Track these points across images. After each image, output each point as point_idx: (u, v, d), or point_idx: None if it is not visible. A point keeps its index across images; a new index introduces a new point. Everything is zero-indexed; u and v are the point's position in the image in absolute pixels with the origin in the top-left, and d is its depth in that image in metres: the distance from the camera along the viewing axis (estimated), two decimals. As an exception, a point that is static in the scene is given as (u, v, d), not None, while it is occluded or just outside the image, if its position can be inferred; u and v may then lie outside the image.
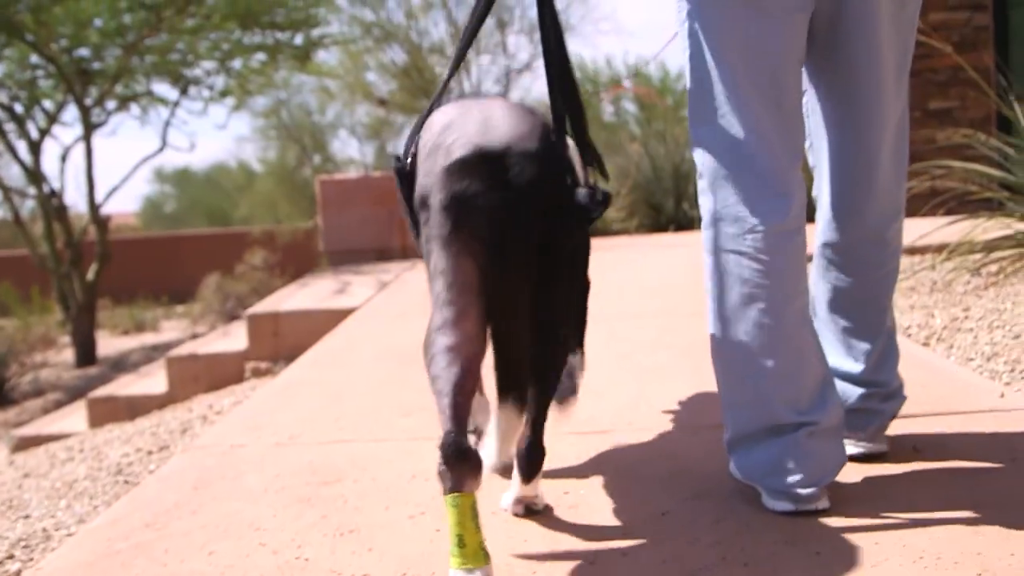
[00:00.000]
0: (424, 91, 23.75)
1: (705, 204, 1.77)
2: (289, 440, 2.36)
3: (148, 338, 11.12)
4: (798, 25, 1.72)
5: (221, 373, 4.70)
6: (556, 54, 1.74)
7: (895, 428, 2.02)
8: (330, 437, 2.35)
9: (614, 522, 1.67)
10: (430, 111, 1.74)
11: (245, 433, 2.47)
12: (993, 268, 4.07)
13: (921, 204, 5.23)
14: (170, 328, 11.82)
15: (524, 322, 1.57)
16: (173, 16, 9.38)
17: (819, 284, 1.95)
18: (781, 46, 1.71)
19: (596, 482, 1.87)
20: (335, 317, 4.47)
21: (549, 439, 1.69)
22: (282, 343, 4.67)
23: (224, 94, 11.33)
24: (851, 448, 1.86)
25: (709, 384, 2.51)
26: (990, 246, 4.08)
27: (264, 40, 10.46)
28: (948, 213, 4.56)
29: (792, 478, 1.65)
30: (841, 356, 1.92)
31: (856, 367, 1.90)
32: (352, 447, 2.25)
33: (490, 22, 24.80)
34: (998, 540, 1.49)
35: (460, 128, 1.60)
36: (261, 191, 23.82)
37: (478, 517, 1.48)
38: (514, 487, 1.77)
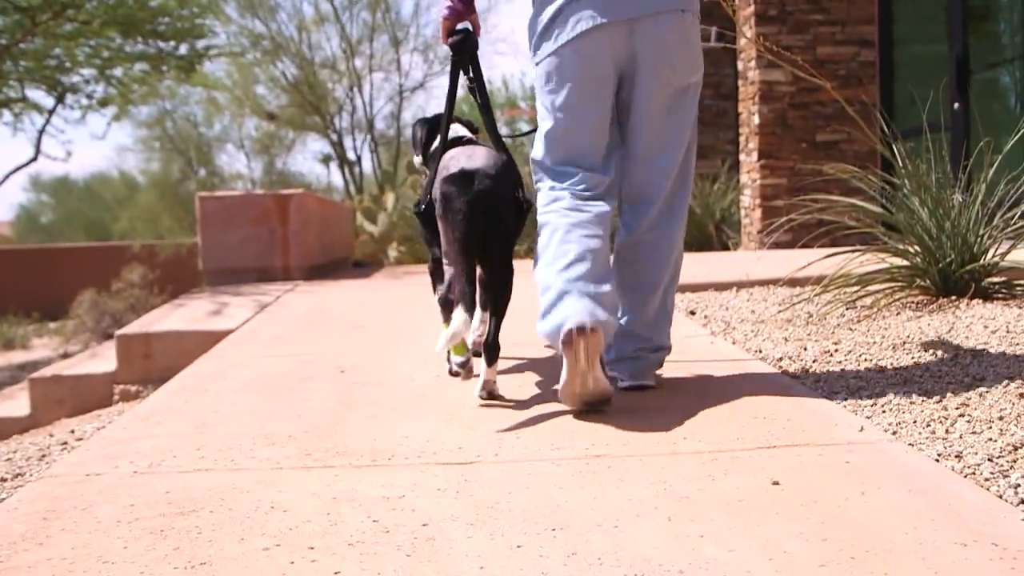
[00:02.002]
0: (315, 107, 23.51)
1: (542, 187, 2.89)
2: (148, 469, 2.29)
3: (16, 356, 10.69)
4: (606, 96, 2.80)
5: (88, 396, 4.54)
6: (488, 116, 3.05)
7: (759, 460, 2.12)
8: (190, 466, 2.30)
9: (470, 553, 1.67)
10: (439, 158, 2.98)
11: (102, 461, 2.39)
12: (867, 301, 4.22)
13: (805, 234, 5.41)
14: (41, 346, 11.39)
15: (482, 262, 2.78)
16: (49, 20, 9.07)
17: (615, 258, 2.85)
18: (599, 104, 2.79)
19: (456, 513, 1.87)
20: (210, 339, 4.38)
21: (413, 471, 2.04)
22: (154, 366, 4.54)
23: (104, 103, 11.01)
24: (626, 383, 2.82)
25: (579, 416, 2.56)
26: (864, 280, 4.23)
27: (147, 49, 10.21)
28: (832, 245, 4.72)
29: (571, 317, 2.49)
30: (624, 311, 2.84)
31: (632, 319, 2.84)
32: (212, 477, 2.20)
33: (384, 39, 24.74)
34: (845, 572, 1.54)
35: (457, 159, 2.85)
36: (143, 204, 23.19)
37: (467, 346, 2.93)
38: (481, 377, 2.79)
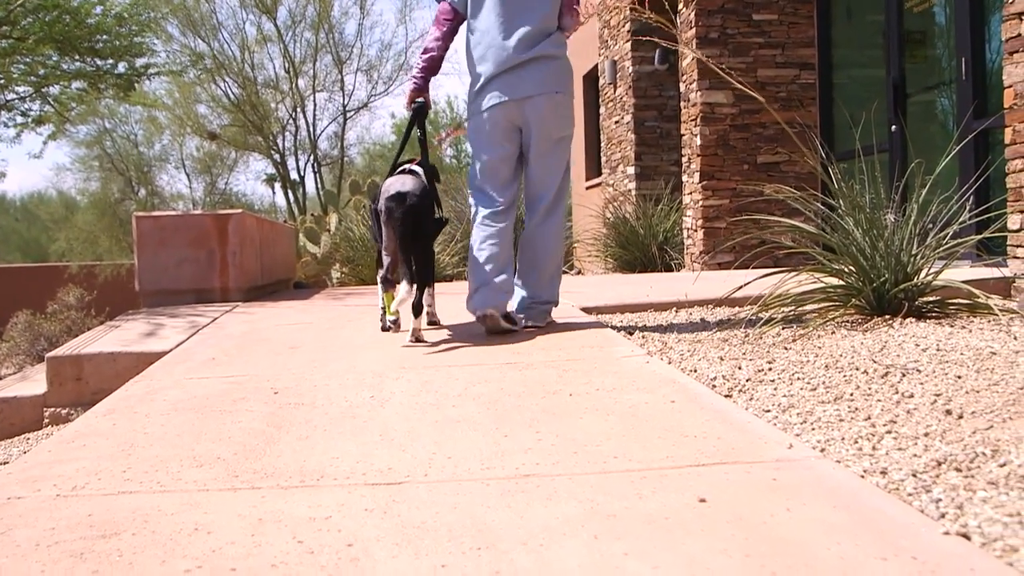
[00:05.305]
0: (258, 127, 23.30)
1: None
2: (71, 492, 2.24)
3: (-54, 378, 10.38)
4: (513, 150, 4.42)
5: (16, 420, 4.43)
6: (426, 159, 4.63)
7: (687, 478, 2.13)
8: (115, 489, 2.25)
9: (394, 573, 1.65)
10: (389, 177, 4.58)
11: (24, 485, 2.33)
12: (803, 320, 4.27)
13: (746, 254, 5.50)
14: (-28, 368, 11.07)
15: (411, 252, 4.12)
16: (-17, 38, 8.90)
17: (520, 245, 4.39)
18: (507, 156, 4.40)
19: (382, 533, 1.85)
20: (143, 361, 4.30)
21: (341, 492, 2.08)
22: (85, 388, 4.45)
23: (40, 121, 10.81)
24: (527, 323, 4.44)
25: (508, 435, 2.56)
26: (800, 300, 4.28)
27: (84, 67, 10.04)
28: (774, 265, 4.77)
29: (480, 305, 4.23)
30: (526, 281, 4.44)
31: (528, 287, 4.44)
32: (136, 499, 2.15)
33: (327, 59, 24.63)
34: (759, 586, 1.55)
35: (393, 184, 4.28)
36: (81, 224, 22.74)
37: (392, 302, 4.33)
38: (411, 325, 4.18)
